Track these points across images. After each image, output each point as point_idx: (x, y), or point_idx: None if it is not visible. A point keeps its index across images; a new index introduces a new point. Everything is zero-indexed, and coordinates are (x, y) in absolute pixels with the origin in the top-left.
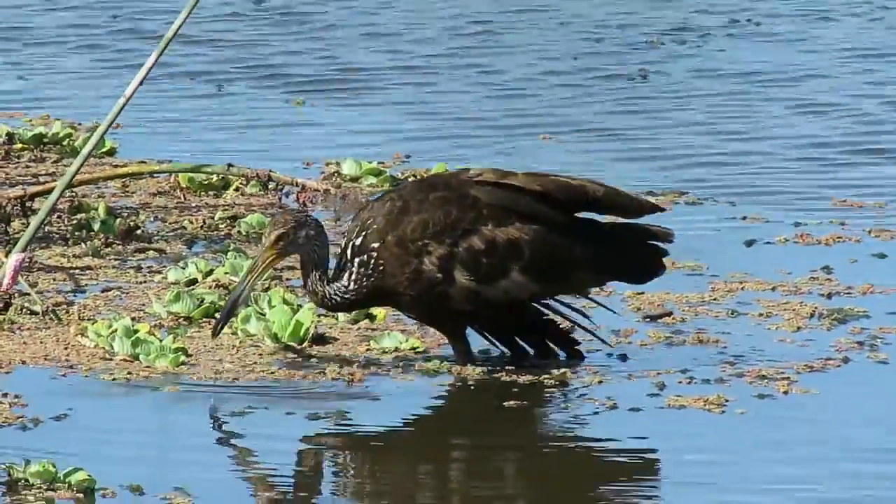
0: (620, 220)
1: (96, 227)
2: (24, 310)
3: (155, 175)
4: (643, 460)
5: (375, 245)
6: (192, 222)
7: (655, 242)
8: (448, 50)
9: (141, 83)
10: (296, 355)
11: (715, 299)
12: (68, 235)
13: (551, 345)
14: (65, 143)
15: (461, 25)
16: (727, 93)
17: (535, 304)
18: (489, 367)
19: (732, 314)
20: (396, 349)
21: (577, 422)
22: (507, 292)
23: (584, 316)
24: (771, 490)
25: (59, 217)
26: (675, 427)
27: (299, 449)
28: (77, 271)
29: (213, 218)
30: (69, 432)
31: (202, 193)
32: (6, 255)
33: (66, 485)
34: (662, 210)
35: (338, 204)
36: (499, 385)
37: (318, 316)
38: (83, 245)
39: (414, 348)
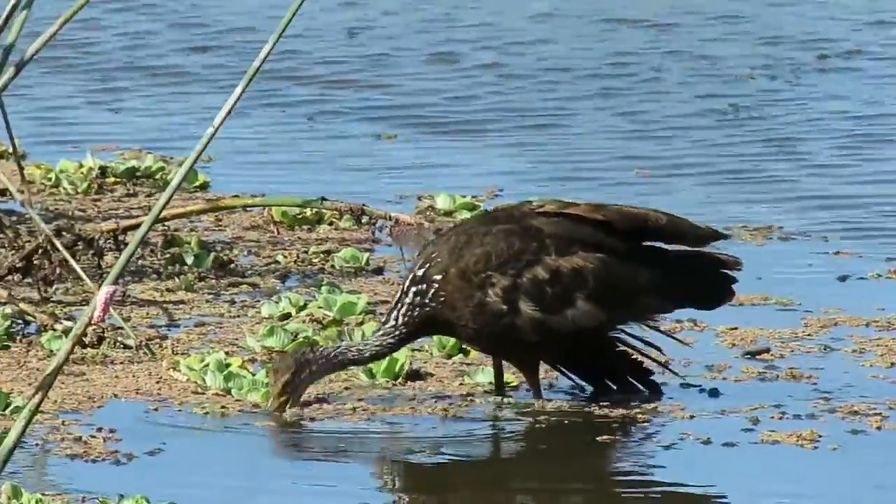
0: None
1: (189, 261)
2: (118, 344)
3: (248, 209)
4: (737, 496)
5: (437, 277)
6: (285, 256)
7: (725, 271)
8: (561, 93)
9: (229, 113)
10: (390, 392)
11: (808, 335)
12: (161, 269)
13: (632, 380)
14: (157, 176)
15: (580, 66)
16: (820, 128)
17: (610, 336)
18: (579, 402)
19: (825, 350)
20: (491, 383)
21: (672, 457)
22: (575, 321)
23: (657, 349)
24: None
25: (151, 251)
26: (769, 463)
27: (393, 488)
28: (170, 305)
29: (306, 252)
30: (162, 467)
31: (296, 227)
32: (99, 289)
33: None
34: (726, 237)
35: (404, 238)
36: (590, 420)
37: (413, 350)
38: (176, 279)
39: (508, 383)
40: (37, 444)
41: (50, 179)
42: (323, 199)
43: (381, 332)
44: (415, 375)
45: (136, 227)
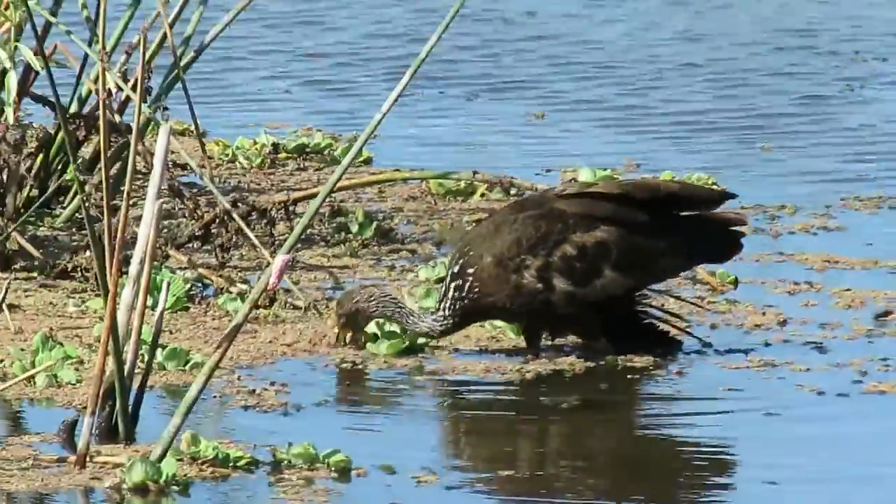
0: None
1: (354, 229)
2: (288, 304)
3: (408, 182)
4: (848, 440)
5: (471, 270)
6: (441, 225)
7: (734, 228)
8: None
9: (396, 100)
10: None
11: None
12: (328, 237)
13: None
14: (325, 152)
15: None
16: None
17: (637, 305)
18: (697, 356)
19: None
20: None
21: (789, 405)
22: (604, 289)
23: (680, 318)
24: None
25: (319, 220)
26: (877, 410)
27: (524, 440)
28: (336, 269)
29: (460, 221)
30: (328, 417)
31: (450, 199)
32: (272, 256)
33: (325, 465)
34: (734, 196)
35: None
36: (703, 370)
37: None
38: (342, 246)
39: None
40: (214, 397)
41: (227, 155)
42: (475, 172)
43: (432, 318)
44: None
45: (305, 198)
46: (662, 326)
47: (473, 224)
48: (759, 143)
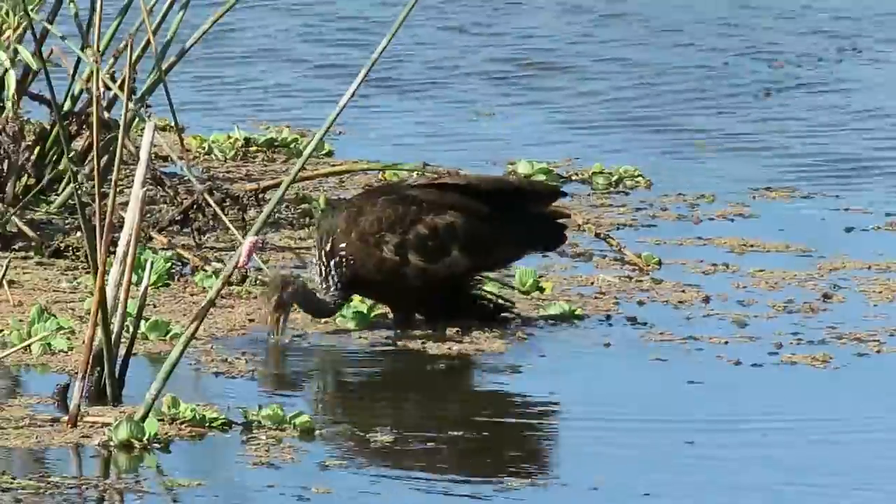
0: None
1: (317, 214)
2: (258, 282)
3: (365, 172)
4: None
5: (342, 245)
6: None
7: (560, 221)
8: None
9: (352, 96)
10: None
11: (821, 276)
12: (294, 221)
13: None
14: (291, 146)
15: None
16: (839, 106)
17: (471, 283)
18: (639, 330)
19: (834, 288)
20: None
21: (709, 376)
22: (450, 267)
23: (510, 301)
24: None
25: (286, 207)
26: (788, 380)
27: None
28: (301, 251)
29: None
30: (293, 383)
31: None
32: (243, 238)
33: (292, 425)
34: (565, 194)
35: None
36: (637, 345)
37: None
38: (306, 229)
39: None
40: (191, 364)
41: (204, 148)
42: (425, 164)
43: (329, 295)
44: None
45: (273, 187)
46: (494, 308)
47: (333, 209)
48: (688, 140)
